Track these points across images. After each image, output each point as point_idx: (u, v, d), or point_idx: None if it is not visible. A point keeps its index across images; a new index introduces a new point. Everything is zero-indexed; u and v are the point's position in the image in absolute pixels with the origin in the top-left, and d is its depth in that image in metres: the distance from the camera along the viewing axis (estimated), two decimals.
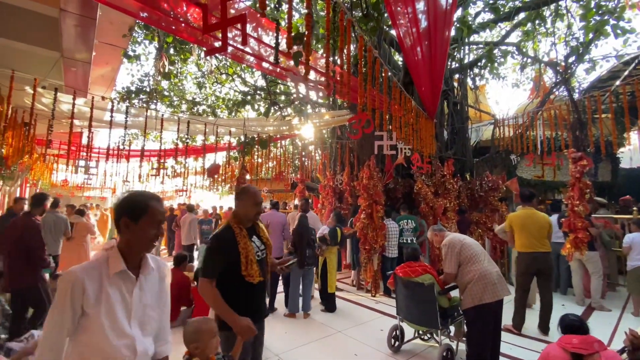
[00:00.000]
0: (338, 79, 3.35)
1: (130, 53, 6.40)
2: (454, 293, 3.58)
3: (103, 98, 4.78)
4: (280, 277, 5.54)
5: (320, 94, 3.78)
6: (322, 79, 4.14)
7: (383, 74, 3.37)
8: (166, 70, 5.37)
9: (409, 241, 6.06)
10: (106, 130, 5.70)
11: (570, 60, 7.65)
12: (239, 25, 1.91)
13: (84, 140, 10.59)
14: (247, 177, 9.67)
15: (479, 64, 9.65)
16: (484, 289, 3.17)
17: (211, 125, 5.55)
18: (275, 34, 1.85)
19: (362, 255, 5.76)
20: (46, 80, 5.46)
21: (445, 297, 3.44)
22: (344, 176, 7.42)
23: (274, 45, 2.50)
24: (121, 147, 8.70)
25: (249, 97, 7.62)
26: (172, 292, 4.26)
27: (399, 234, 5.98)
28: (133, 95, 8.12)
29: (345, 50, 2.82)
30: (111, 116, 4.68)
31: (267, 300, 5.27)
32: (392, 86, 3.66)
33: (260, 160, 10.46)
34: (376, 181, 5.60)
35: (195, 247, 7.43)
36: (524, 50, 9.54)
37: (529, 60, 9.60)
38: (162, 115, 5.04)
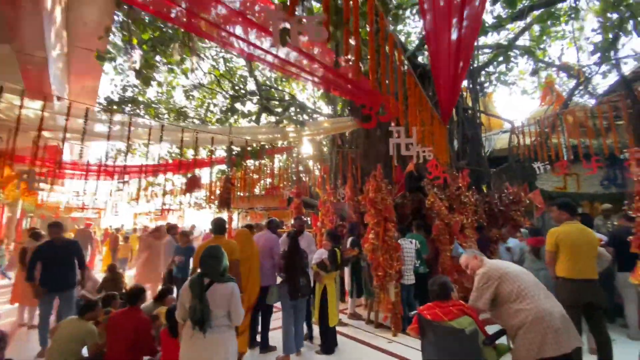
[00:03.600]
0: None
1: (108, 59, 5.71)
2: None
3: (59, 98, 4.02)
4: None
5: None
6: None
7: (397, 56, 2.63)
8: (136, 67, 4.63)
9: (415, 266, 5.22)
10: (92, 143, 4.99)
11: (593, 59, 7.00)
12: None
13: (66, 156, 9.88)
14: (240, 193, 8.86)
15: (487, 69, 9.06)
16: (543, 337, 2.32)
17: (191, 132, 4.78)
18: None
19: (375, 283, 4.84)
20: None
21: (491, 349, 2.55)
22: (346, 190, 6.60)
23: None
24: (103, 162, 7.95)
25: (238, 102, 6.91)
26: (128, 338, 3.26)
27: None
28: (115, 106, 7.44)
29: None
30: (66, 119, 3.90)
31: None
32: (406, 74, 2.92)
33: (255, 176, 9.70)
34: (385, 194, 4.77)
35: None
36: (535, 53, 8.96)
37: (541, 64, 9.00)
38: (130, 120, 4.27)
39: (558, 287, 3.72)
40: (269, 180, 8.93)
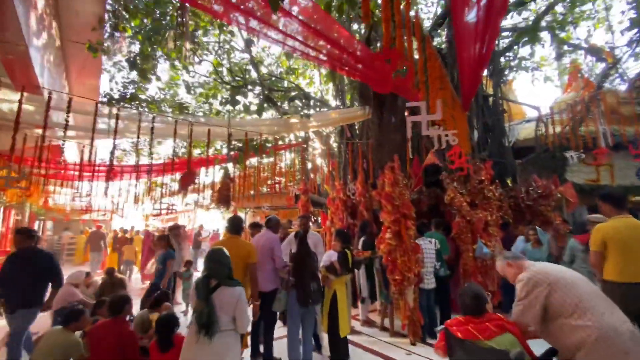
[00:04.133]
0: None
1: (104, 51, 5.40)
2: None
3: (37, 89, 3.68)
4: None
5: None
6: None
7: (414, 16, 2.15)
8: (131, 58, 4.27)
9: (435, 268, 4.70)
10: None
11: (626, 38, 6.27)
12: None
13: (68, 157, 9.69)
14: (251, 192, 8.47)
15: (507, 54, 8.42)
16: None
17: (186, 124, 4.38)
18: None
19: (392, 288, 4.35)
20: None
21: None
22: (357, 185, 6.10)
23: None
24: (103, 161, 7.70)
25: (239, 94, 6.49)
26: (111, 353, 2.83)
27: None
28: (115, 103, 7.17)
29: None
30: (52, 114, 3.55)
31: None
32: (425, 40, 2.44)
33: (265, 174, 9.29)
34: (403, 188, 4.27)
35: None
36: (558, 35, 8.25)
37: (568, 47, 8.29)
38: (118, 111, 3.90)
39: (605, 292, 3.17)
40: (276, 178, 8.54)
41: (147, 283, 9.08)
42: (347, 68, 3.33)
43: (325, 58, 3.19)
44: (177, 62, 7.90)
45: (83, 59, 6.65)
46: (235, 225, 3.67)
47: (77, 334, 3.46)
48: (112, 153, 3.82)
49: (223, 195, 4.46)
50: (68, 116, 3.41)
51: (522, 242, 5.24)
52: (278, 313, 3.99)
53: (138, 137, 3.95)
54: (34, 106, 4.10)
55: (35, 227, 15.25)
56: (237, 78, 7.37)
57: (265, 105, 6.80)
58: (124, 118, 4.79)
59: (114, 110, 4.15)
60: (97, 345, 3.10)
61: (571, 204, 6.17)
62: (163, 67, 7.74)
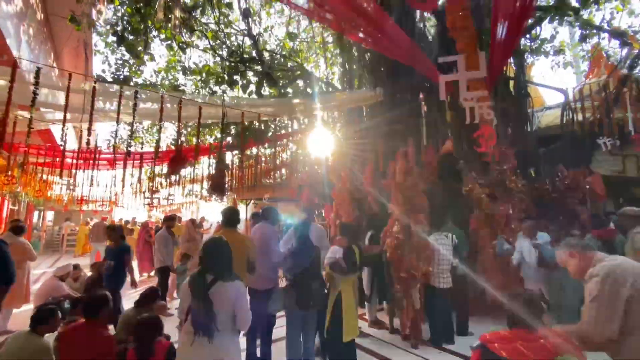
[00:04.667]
0: None
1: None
2: None
3: (14, 61, 3.20)
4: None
5: None
6: None
7: None
8: (118, 30, 3.79)
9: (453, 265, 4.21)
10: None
11: None
12: None
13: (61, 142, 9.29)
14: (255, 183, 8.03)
15: (528, 36, 7.80)
16: None
17: (183, 107, 3.87)
18: None
19: (396, 286, 3.91)
20: None
21: None
22: (365, 175, 5.60)
23: None
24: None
25: (237, 74, 5.99)
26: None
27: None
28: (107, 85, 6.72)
29: None
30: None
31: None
32: None
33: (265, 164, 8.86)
34: (417, 178, 3.78)
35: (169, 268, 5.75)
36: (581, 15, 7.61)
37: (592, 30, 7.65)
38: (94, 84, 3.42)
39: None
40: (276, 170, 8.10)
41: (145, 275, 8.80)
42: (357, 33, 2.83)
43: (331, 18, 2.70)
44: (173, 44, 7.40)
45: (73, 39, 6.20)
46: (230, 218, 3.26)
47: (48, 337, 3.08)
48: (89, 131, 3.36)
49: (217, 183, 4.02)
50: (36, 88, 2.95)
51: (524, 239, 4.51)
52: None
53: (118, 115, 3.47)
54: (5, 80, 3.64)
55: (35, 218, 15.02)
56: (234, 51, 6.77)
57: (265, 83, 6.26)
58: (111, 96, 4.34)
59: (95, 86, 3.67)
60: (69, 351, 2.71)
61: (599, 197, 5.64)
62: (161, 52, 7.23)
